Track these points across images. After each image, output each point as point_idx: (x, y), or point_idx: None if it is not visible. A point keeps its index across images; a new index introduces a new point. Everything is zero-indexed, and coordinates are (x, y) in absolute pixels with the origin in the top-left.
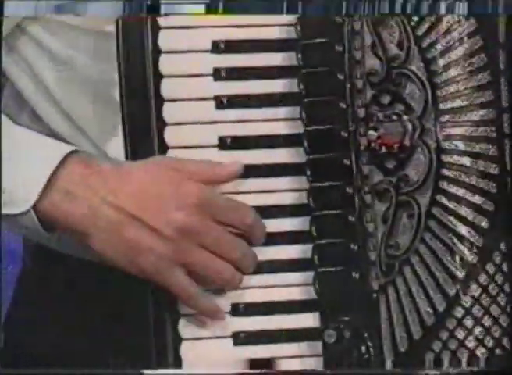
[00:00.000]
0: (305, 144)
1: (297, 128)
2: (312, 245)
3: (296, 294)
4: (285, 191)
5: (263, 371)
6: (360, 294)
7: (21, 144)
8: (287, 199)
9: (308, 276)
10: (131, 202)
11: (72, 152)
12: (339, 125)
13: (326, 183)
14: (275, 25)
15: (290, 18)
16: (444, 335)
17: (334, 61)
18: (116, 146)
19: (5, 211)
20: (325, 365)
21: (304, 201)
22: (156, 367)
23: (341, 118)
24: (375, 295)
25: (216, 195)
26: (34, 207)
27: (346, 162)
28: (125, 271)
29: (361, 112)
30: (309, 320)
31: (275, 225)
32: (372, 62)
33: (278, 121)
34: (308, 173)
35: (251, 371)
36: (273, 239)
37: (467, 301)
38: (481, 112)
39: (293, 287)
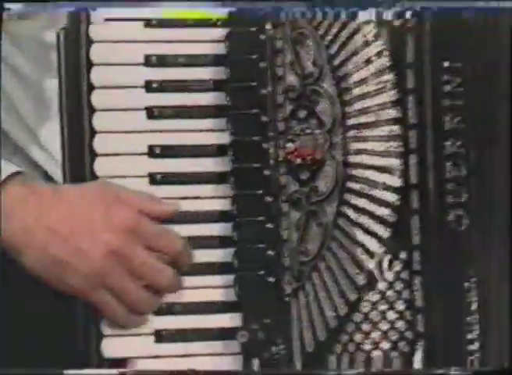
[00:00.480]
0: (230, 154)
1: (224, 139)
2: (234, 250)
3: (217, 296)
4: (211, 198)
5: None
6: (275, 298)
7: None
8: (212, 205)
9: (230, 279)
10: (62, 224)
11: (15, 173)
12: (261, 137)
13: (248, 192)
14: (206, 41)
15: (220, 34)
16: (344, 338)
17: (259, 76)
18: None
19: None
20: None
21: (228, 208)
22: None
23: (263, 131)
24: (287, 299)
25: (147, 222)
26: None
27: (267, 172)
28: (54, 288)
29: (281, 126)
30: (230, 321)
31: (200, 229)
32: (292, 79)
33: (206, 132)
34: (232, 181)
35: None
36: (198, 243)
37: (365, 306)
38: (388, 128)
39: (214, 288)
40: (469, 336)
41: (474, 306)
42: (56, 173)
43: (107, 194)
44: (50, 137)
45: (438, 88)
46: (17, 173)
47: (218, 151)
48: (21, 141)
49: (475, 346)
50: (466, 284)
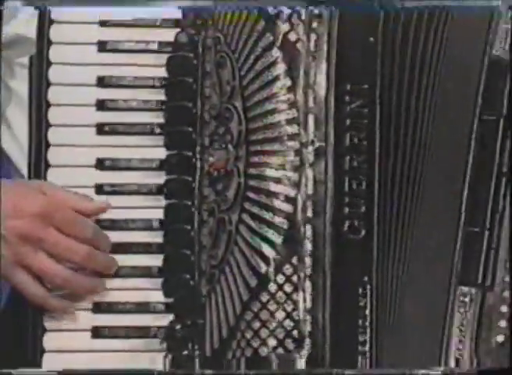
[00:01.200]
0: (165, 167)
1: (161, 154)
2: (163, 255)
3: (146, 297)
4: (146, 207)
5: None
6: (194, 299)
7: None
8: (146, 214)
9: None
10: None
11: None
12: (190, 152)
13: (177, 202)
14: (149, 65)
15: (162, 59)
16: (238, 335)
17: (191, 97)
18: None
19: None
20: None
21: (160, 217)
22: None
23: (193, 146)
24: (203, 300)
25: (60, 209)
26: None
27: (194, 184)
28: None
29: (206, 141)
30: (157, 320)
31: (134, 236)
32: (214, 98)
33: (146, 147)
34: (165, 192)
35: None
36: (131, 248)
37: (257, 307)
38: (287, 143)
39: (144, 290)
40: (361, 338)
41: (367, 311)
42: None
43: (27, 187)
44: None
45: (340, 108)
46: None
47: (156, 164)
48: None
49: (367, 347)
50: (360, 290)
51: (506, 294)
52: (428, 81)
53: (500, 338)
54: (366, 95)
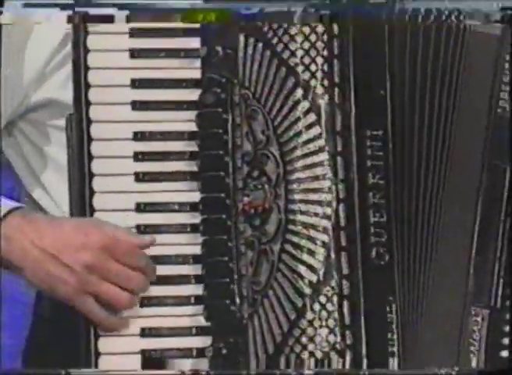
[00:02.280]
0: (200, 207)
1: (195, 197)
2: (203, 285)
3: (190, 322)
4: (183, 244)
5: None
6: (236, 321)
7: None
8: (184, 250)
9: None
10: (52, 245)
11: (15, 208)
12: (225, 194)
13: (215, 237)
14: (181, 121)
15: (192, 115)
16: (287, 350)
17: (223, 146)
18: None
19: None
20: None
21: (198, 252)
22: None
23: (226, 189)
24: (245, 322)
25: (118, 242)
26: None
27: (229, 222)
28: (51, 297)
29: (240, 184)
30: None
31: (173, 270)
32: (247, 146)
33: (182, 192)
34: (201, 229)
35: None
36: (173, 280)
37: (304, 324)
38: (320, 182)
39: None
40: (390, 349)
41: (394, 325)
42: (54, 210)
43: (88, 224)
44: (51, 182)
45: (361, 151)
46: (17, 208)
47: (191, 206)
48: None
49: (395, 359)
50: (387, 307)
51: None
52: (439, 128)
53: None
54: (381, 140)
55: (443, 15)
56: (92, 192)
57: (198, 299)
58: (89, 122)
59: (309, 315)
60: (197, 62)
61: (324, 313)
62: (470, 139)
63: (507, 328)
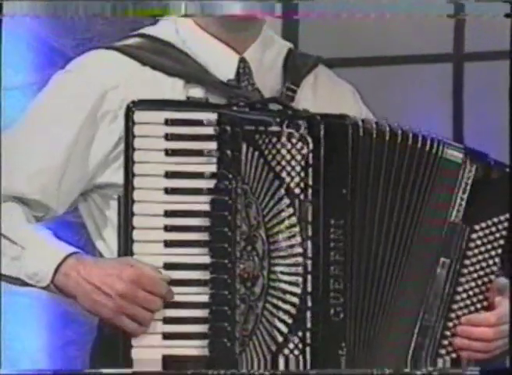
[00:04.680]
0: (209, 269)
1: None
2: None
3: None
4: (194, 294)
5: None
6: (230, 355)
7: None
8: (196, 298)
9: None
10: (97, 279)
11: (73, 252)
12: (227, 260)
13: (219, 292)
14: (200, 202)
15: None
16: None
17: (227, 225)
18: None
19: (32, 283)
20: None
21: (206, 300)
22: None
23: (228, 256)
24: (236, 357)
25: (145, 276)
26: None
27: (230, 281)
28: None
29: (238, 254)
30: None
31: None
32: (244, 227)
33: (194, 256)
34: (210, 285)
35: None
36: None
37: (281, 362)
38: (295, 259)
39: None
40: None
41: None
42: (108, 255)
43: (123, 261)
44: (109, 237)
45: (327, 235)
46: (75, 252)
47: (202, 267)
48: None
49: None
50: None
51: None
52: (390, 222)
53: None
54: (342, 227)
55: (409, 139)
56: (132, 254)
57: (203, 336)
58: (133, 202)
59: (281, 357)
60: (214, 160)
61: (291, 356)
62: (423, 240)
63: None
